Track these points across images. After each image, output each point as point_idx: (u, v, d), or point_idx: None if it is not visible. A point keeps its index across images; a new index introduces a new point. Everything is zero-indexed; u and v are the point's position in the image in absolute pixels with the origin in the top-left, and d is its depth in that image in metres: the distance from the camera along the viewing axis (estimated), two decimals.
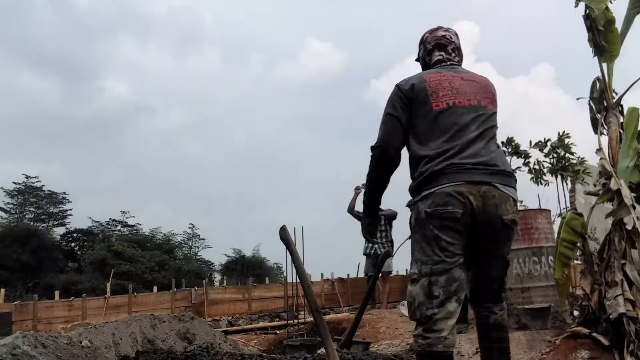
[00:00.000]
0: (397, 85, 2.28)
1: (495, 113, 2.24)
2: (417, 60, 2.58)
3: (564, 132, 5.43)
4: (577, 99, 4.43)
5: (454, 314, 1.95)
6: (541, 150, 5.51)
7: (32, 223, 24.08)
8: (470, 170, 2.00)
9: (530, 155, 5.72)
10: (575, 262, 4.09)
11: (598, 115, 4.13)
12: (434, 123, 2.12)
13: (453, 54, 2.41)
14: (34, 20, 49.33)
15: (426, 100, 2.15)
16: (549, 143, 5.51)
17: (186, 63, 59.01)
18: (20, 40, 47.27)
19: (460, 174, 1.99)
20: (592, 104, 4.29)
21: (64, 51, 49.12)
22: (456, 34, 2.48)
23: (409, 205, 8.41)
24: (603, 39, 4.01)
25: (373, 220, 2.47)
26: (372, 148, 2.26)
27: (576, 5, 4.02)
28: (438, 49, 2.41)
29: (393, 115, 2.22)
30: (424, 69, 2.46)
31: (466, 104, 2.15)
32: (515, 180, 2.20)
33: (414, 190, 2.14)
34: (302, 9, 73.01)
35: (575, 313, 4.25)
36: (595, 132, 4.37)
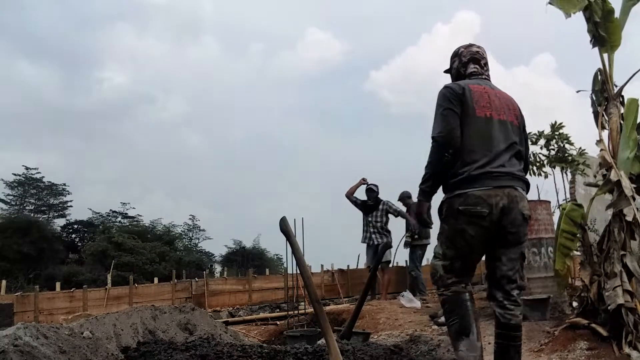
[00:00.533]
0: (448, 87, 2.61)
1: (518, 127, 2.66)
2: (447, 71, 2.90)
3: (557, 123, 5.39)
4: (577, 91, 4.41)
5: (464, 287, 2.60)
6: (535, 143, 5.48)
7: (32, 214, 24.12)
8: (498, 177, 2.46)
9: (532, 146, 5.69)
10: (575, 253, 4.10)
11: (599, 108, 4.12)
12: (474, 129, 2.50)
13: (485, 68, 2.79)
14: (32, 9, 49.06)
15: (472, 106, 2.52)
16: (542, 136, 5.48)
17: (185, 52, 58.68)
18: (19, 29, 46.98)
19: (490, 180, 2.44)
20: (593, 97, 4.27)
21: (62, 40, 48.93)
22: (485, 51, 2.85)
23: (401, 198, 8.42)
24: (603, 29, 3.99)
25: (430, 205, 2.73)
26: (436, 138, 2.53)
27: (545, 11, 4.05)
28: (473, 62, 2.77)
29: (452, 110, 2.51)
30: (456, 79, 2.78)
31: (497, 117, 2.55)
32: (528, 184, 2.66)
33: (450, 186, 2.53)
34: None
35: (574, 304, 4.27)
36: (598, 126, 4.36)
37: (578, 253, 4.12)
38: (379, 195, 7.93)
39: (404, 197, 8.42)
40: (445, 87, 2.62)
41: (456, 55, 2.84)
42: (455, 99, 2.53)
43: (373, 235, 7.84)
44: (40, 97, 46.56)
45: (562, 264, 3.69)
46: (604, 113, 4.09)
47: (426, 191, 2.63)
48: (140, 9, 55.56)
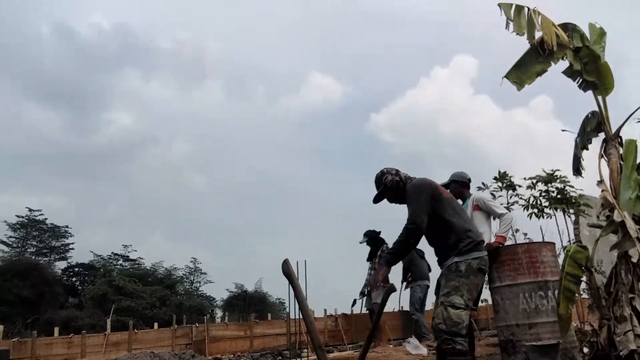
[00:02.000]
0: (421, 183, 3.19)
1: None
2: (382, 193, 3.38)
3: (553, 170, 5.46)
4: (563, 130, 4.50)
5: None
6: (533, 187, 5.53)
7: (33, 257, 24.00)
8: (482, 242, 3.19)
9: (518, 193, 5.73)
10: (582, 296, 4.02)
11: (582, 152, 4.23)
12: (453, 208, 3.17)
13: None
14: (40, 53, 50.73)
15: (441, 192, 3.20)
16: (538, 183, 5.53)
17: (190, 95, 60.19)
18: (27, 72, 48.54)
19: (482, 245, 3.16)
20: (577, 140, 4.35)
21: (70, 84, 50.27)
22: None
23: (365, 241, 8.25)
24: (593, 75, 4.11)
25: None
26: (409, 227, 3.03)
27: (501, 84, 4.29)
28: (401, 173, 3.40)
29: (424, 204, 3.05)
30: (400, 189, 3.30)
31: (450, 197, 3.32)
32: None
33: (463, 251, 3.02)
34: (305, 43, 74.81)
35: (585, 350, 4.14)
36: (574, 171, 4.46)
37: (585, 296, 4.04)
38: (382, 237, 7.90)
39: (367, 241, 8.34)
40: (419, 183, 3.19)
41: (391, 177, 3.34)
42: (428, 192, 3.11)
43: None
44: (46, 138, 47.50)
45: (566, 308, 3.61)
46: (602, 153, 4.12)
47: (389, 261, 3.14)
48: (147, 53, 57.37)
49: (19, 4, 60.41)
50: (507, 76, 4.26)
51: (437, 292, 3.29)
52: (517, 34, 4.26)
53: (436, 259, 3.24)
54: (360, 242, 7.94)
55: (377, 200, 3.41)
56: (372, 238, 7.88)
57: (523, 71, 4.26)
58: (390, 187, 3.31)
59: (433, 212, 3.08)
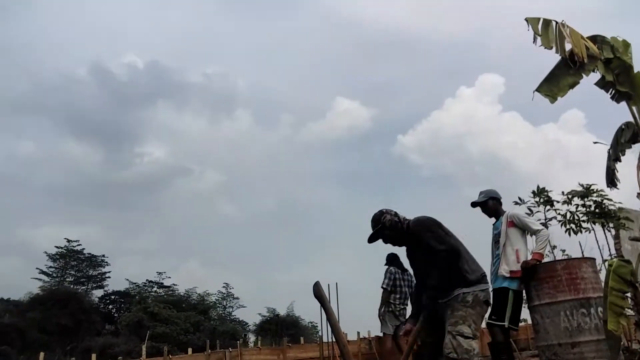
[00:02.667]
0: (431, 218, 3.32)
1: None
2: (379, 232, 3.36)
3: (588, 185, 5.31)
4: (595, 142, 4.38)
5: None
6: (569, 202, 5.38)
7: (72, 286, 24.61)
8: None
9: (556, 208, 5.58)
10: (629, 312, 3.84)
11: (616, 164, 4.10)
12: (458, 240, 3.34)
13: None
14: (77, 92, 52.96)
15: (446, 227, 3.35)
16: (574, 198, 5.38)
17: (220, 126, 61.59)
18: (65, 111, 50.71)
19: None
20: (610, 152, 4.22)
21: (105, 120, 52.24)
22: None
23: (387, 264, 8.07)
24: (626, 85, 4.01)
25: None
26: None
27: (532, 99, 4.23)
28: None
29: (444, 232, 3.27)
30: (399, 229, 3.33)
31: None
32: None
33: (471, 282, 3.14)
34: (331, 69, 75.64)
35: None
36: (608, 183, 4.32)
37: (632, 313, 3.86)
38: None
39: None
40: (430, 218, 3.32)
41: (391, 217, 3.36)
42: (439, 222, 3.29)
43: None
44: (84, 172, 49.27)
45: (617, 323, 3.44)
46: None
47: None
48: (178, 87, 59.25)
49: (56, 47, 63.76)
50: (538, 90, 4.19)
51: (428, 326, 3.26)
52: (545, 47, 4.21)
53: (429, 292, 3.23)
54: (385, 265, 7.79)
55: (372, 239, 3.39)
56: (388, 261, 7.75)
57: (554, 84, 4.19)
58: (389, 226, 3.32)
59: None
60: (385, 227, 3.31)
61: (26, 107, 49.66)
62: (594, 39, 4.26)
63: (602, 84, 4.18)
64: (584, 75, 4.17)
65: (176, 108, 60.84)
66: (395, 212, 3.39)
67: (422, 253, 3.25)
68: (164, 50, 75.05)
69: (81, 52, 68.20)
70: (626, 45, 4.26)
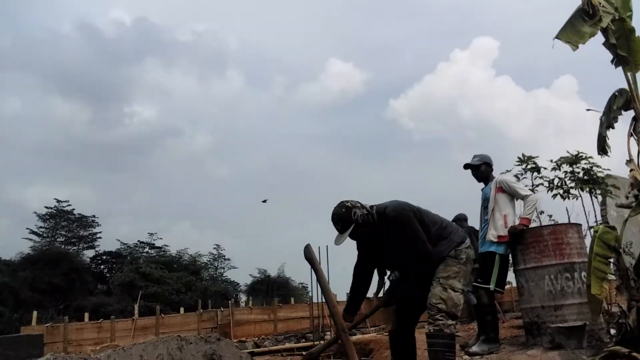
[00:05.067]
0: (406, 212, 3.00)
1: None
2: (360, 231, 2.93)
3: (577, 152, 5.33)
4: (588, 110, 4.36)
5: None
6: (558, 168, 5.41)
7: (63, 246, 24.67)
8: None
9: (543, 175, 5.61)
10: (610, 277, 3.94)
11: (608, 132, 4.09)
12: (429, 214, 3.18)
13: None
14: (63, 49, 51.44)
15: (417, 207, 3.16)
16: (563, 165, 5.40)
17: (211, 86, 60.42)
18: (51, 68, 49.30)
19: None
20: (602, 119, 4.21)
21: (93, 78, 50.83)
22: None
23: (455, 220, 8.18)
24: (624, 49, 3.95)
25: None
26: (425, 264, 2.99)
27: (553, 46, 4.09)
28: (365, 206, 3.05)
29: (421, 233, 2.99)
30: (371, 223, 2.96)
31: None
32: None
33: (458, 240, 3.11)
34: (324, 30, 73.88)
35: (612, 331, 4.07)
36: (599, 151, 4.32)
37: (613, 277, 3.96)
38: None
39: (459, 219, 8.22)
40: (399, 208, 3.01)
41: (354, 211, 2.91)
42: (411, 211, 3.03)
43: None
44: (72, 132, 48.46)
45: (600, 287, 3.53)
46: (632, 132, 4.00)
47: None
48: (167, 45, 57.66)
49: (40, 2, 61.36)
50: (558, 37, 4.06)
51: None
52: None
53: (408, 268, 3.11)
54: None
55: (341, 241, 2.90)
56: None
57: (574, 32, 4.06)
58: (363, 223, 2.91)
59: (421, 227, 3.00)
60: (359, 224, 2.89)
61: (10, 62, 48.23)
62: None
63: (607, 45, 4.09)
64: (599, 27, 4.05)
65: (165, 67, 59.39)
66: (361, 203, 2.98)
67: (390, 240, 3.01)
68: (152, 6, 72.56)
69: (66, 7, 65.76)
70: (627, 6, 4.17)
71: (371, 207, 3.02)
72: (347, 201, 2.96)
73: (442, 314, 2.89)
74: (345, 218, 2.87)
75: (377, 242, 3.07)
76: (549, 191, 5.76)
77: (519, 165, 5.77)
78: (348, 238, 2.93)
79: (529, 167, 5.67)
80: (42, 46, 50.41)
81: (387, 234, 2.99)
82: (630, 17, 4.15)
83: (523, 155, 5.70)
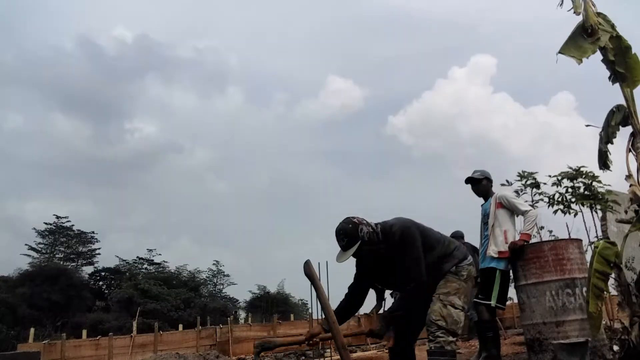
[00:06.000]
0: (412, 230, 2.94)
1: None
2: (365, 249, 2.84)
3: (578, 167, 5.36)
4: (587, 125, 4.39)
5: None
6: (558, 184, 5.43)
7: (62, 262, 24.54)
8: None
9: (542, 191, 5.64)
10: (613, 293, 3.92)
11: (609, 146, 4.12)
12: (432, 231, 3.17)
13: None
14: (65, 65, 51.90)
15: (420, 224, 3.12)
16: (563, 180, 5.42)
17: (211, 103, 60.93)
18: (53, 84, 49.78)
19: None
20: (602, 134, 4.24)
21: (94, 94, 51.27)
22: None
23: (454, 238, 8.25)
24: (622, 66, 3.99)
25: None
26: (420, 283, 2.88)
27: (556, 61, 4.15)
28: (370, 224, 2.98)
29: (422, 254, 2.93)
30: (376, 241, 2.89)
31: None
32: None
33: (460, 256, 3.09)
34: (324, 47, 74.69)
35: (615, 348, 4.04)
36: (601, 166, 4.34)
37: (615, 293, 3.94)
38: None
39: (455, 237, 8.22)
40: (406, 225, 2.97)
41: (361, 228, 2.84)
42: (417, 228, 3.00)
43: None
44: (73, 147, 48.69)
45: (595, 305, 3.52)
46: (631, 148, 4.02)
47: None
48: (168, 62, 58.24)
49: (42, 19, 62.14)
50: (562, 52, 4.11)
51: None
52: (574, 12, 4.13)
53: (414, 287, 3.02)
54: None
55: (344, 258, 2.80)
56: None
57: (576, 47, 4.13)
58: (368, 241, 2.82)
59: (424, 245, 2.96)
60: (365, 242, 2.80)
61: (12, 78, 48.64)
62: (599, 15, 4.23)
63: (606, 62, 4.15)
64: (598, 45, 4.11)
65: (166, 83, 59.99)
66: (366, 221, 2.90)
67: (393, 259, 2.93)
68: (153, 23, 73.55)
69: (68, 24, 66.65)
70: (612, 25, 4.25)
71: (376, 224, 2.94)
72: (354, 217, 2.87)
73: (442, 331, 2.84)
74: (352, 234, 2.78)
75: (379, 262, 2.98)
76: (550, 206, 5.77)
77: (519, 180, 5.79)
78: (350, 256, 2.82)
79: (528, 182, 5.68)
80: (43, 62, 50.93)
81: (391, 253, 2.90)
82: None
83: (523, 171, 5.73)
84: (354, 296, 3.16)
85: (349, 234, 2.79)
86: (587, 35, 4.11)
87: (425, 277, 2.88)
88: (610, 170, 4.43)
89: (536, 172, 5.79)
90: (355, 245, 2.77)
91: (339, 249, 2.85)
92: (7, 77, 48.51)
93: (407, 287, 2.91)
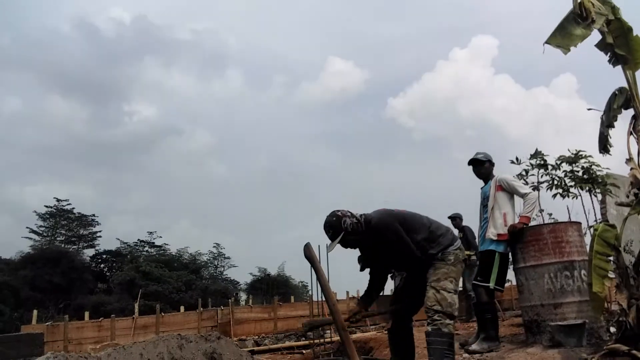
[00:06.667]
0: (390, 221, 3.13)
1: None
2: (343, 240, 3.05)
3: (577, 150, 5.34)
4: (588, 109, 4.36)
5: None
6: (557, 167, 5.41)
7: (63, 245, 24.68)
8: None
9: (550, 172, 5.61)
10: (610, 275, 3.94)
11: (609, 130, 4.09)
12: (415, 217, 3.32)
13: None
14: (62, 48, 51.48)
15: (401, 212, 3.31)
16: (564, 160, 5.40)
17: (210, 86, 60.52)
18: (51, 67, 49.38)
19: None
20: (603, 117, 4.21)
21: (92, 76, 50.98)
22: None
23: (452, 218, 8.42)
24: (623, 48, 3.95)
25: None
26: (414, 263, 3.18)
27: (543, 52, 4.09)
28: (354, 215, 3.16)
29: (407, 240, 3.13)
30: (360, 232, 3.09)
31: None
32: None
33: (446, 242, 3.22)
34: (324, 29, 73.90)
35: (612, 329, 4.08)
36: (601, 149, 4.33)
37: (613, 276, 3.96)
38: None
39: (454, 218, 8.38)
40: (385, 217, 3.16)
41: (344, 220, 3.05)
42: (396, 219, 3.16)
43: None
44: (72, 130, 48.53)
45: (601, 285, 3.53)
46: (632, 131, 4.00)
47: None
48: (166, 44, 57.63)
49: (39, 2, 61.33)
50: (548, 42, 4.07)
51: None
52: None
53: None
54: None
55: (331, 248, 3.07)
56: (363, 262, 7.98)
57: (565, 35, 4.06)
58: (352, 231, 3.06)
59: (407, 230, 3.15)
60: (348, 232, 3.04)
61: (9, 62, 48.21)
62: None
63: (602, 45, 4.10)
64: (593, 29, 4.05)
65: (165, 66, 59.53)
66: (350, 212, 3.12)
67: (380, 247, 3.20)
68: (151, 5, 72.53)
69: (65, 6, 65.82)
70: (616, 8, 4.17)
71: (360, 215, 3.15)
72: (338, 210, 3.11)
73: (439, 314, 3.03)
74: (335, 226, 3.03)
75: (369, 249, 3.26)
76: (549, 189, 5.76)
77: (529, 160, 5.75)
78: (339, 246, 3.08)
79: (537, 163, 5.66)
80: (41, 45, 50.47)
81: (375, 241, 3.15)
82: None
83: (536, 150, 5.70)
84: (374, 279, 3.44)
85: (333, 226, 3.04)
86: (581, 19, 4.04)
87: (417, 254, 3.12)
88: (610, 154, 4.42)
89: (547, 155, 5.77)
90: (339, 236, 3.02)
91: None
92: (4, 60, 48.18)
93: (407, 273, 3.28)
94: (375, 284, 3.46)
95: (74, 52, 51.37)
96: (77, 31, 54.07)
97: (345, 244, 3.12)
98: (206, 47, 61.10)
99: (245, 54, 68.33)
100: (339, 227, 3.02)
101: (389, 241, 3.11)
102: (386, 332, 4.15)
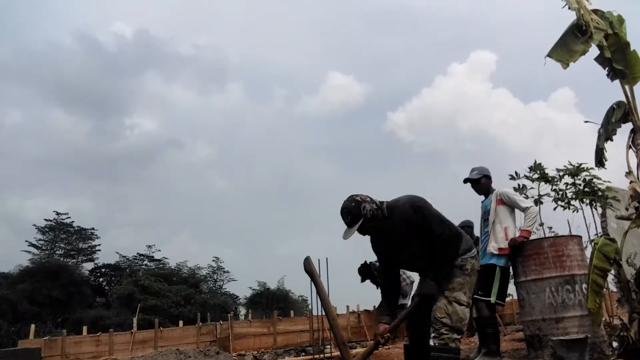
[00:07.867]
0: (423, 199, 2.98)
1: None
2: (369, 226, 2.87)
3: (579, 163, 5.35)
4: (586, 122, 4.40)
5: None
6: (559, 180, 5.42)
7: (62, 259, 24.54)
8: None
9: (557, 182, 5.61)
10: (612, 289, 3.93)
11: (606, 144, 4.14)
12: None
13: None
14: (64, 61, 51.77)
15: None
16: (566, 172, 5.41)
17: (211, 99, 60.80)
18: (52, 80, 49.64)
19: None
20: (601, 131, 4.24)
21: (93, 90, 51.09)
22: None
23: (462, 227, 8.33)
24: (621, 63, 3.99)
25: None
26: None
27: (544, 64, 4.15)
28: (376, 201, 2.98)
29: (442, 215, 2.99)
30: (380, 218, 2.90)
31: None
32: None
33: (465, 248, 3.02)
34: (325, 43, 74.40)
35: (614, 344, 4.05)
36: (597, 163, 4.35)
37: (614, 289, 3.95)
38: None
39: (465, 227, 8.26)
40: (416, 197, 2.99)
41: (363, 206, 2.86)
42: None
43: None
44: (72, 143, 48.66)
45: (594, 302, 3.52)
46: (631, 144, 4.02)
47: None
48: (168, 58, 58.08)
49: (41, 15, 61.99)
50: (549, 55, 4.11)
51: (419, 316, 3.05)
52: (569, 7, 4.12)
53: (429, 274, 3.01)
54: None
55: (349, 235, 2.86)
56: (363, 274, 8.01)
57: (565, 50, 4.12)
58: (371, 217, 2.85)
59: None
60: (368, 219, 2.83)
61: (11, 74, 48.46)
62: (595, 12, 4.22)
63: (600, 59, 4.15)
64: (592, 45, 4.10)
65: (166, 79, 59.87)
66: (370, 198, 2.92)
67: (406, 235, 2.93)
68: (153, 19, 73.19)
69: (67, 20, 66.35)
70: (621, 20, 4.22)
71: (381, 202, 2.95)
72: (357, 195, 2.90)
73: (446, 328, 2.83)
74: (354, 212, 2.82)
75: (388, 239, 3.01)
76: (554, 202, 5.75)
77: (528, 173, 5.76)
78: (357, 233, 2.88)
79: (536, 176, 5.66)
80: (43, 58, 50.81)
81: (402, 228, 2.91)
82: (623, 29, 4.21)
83: (535, 162, 5.71)
84: (389, 287, 3.23)
85: (351, 211, 2.83)
86: (580, 34, 4.10)
87: (459, 230, 3.03)
88: (605, 168, 4.44)
89: (547, 168, 5.77)
90: (358, 222, 2.81)
91: (344, 229, 2.88)
92: (6, 73, 48.38)
93: (444, 251, 2.91)
94: (393, 288, 3.23)
95: (76, 66, 51.66)
96: (79, 45, 54.48)
97: (364, 231, 2.91)
98: (207, 61, 61.56)
99: (246, 67, 68.78)
100: (358, 213, 2.81)
101: (424, 216, 2.87)
102: (396, 347, 4.09)
